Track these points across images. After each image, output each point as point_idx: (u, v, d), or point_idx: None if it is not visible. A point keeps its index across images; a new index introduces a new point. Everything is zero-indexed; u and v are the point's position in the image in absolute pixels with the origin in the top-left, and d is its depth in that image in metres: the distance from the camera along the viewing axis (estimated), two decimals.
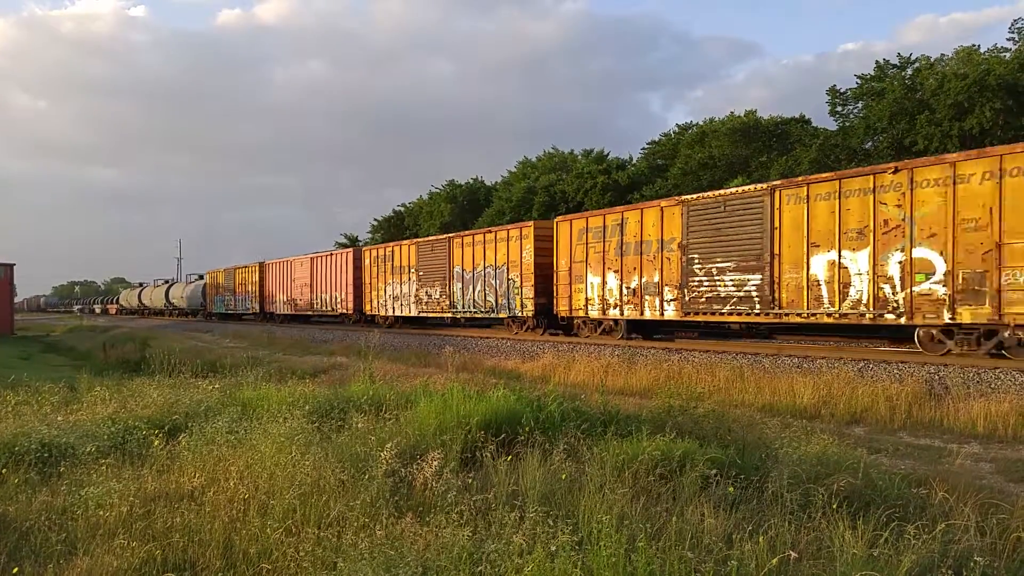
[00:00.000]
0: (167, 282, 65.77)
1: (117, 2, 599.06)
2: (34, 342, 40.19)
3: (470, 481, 5.84)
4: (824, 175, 15.13)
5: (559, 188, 39.32)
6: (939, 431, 9.98)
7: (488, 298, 23.51)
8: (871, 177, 13.56)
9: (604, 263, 19.42)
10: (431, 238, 28.56)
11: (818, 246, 14.28)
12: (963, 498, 5.51)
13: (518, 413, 7.79)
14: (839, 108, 29.05)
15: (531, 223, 22.72)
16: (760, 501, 5.61)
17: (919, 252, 12.77)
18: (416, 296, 27.25)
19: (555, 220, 21.57)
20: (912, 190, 12.82)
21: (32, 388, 11.07)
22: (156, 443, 7.42)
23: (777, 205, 15.00)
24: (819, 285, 14.25)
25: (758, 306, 15.34)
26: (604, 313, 19.50)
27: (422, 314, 27.05)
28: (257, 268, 41.59)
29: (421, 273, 26.98)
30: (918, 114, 23.75)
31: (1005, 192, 11.65)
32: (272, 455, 6.23)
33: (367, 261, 30.73)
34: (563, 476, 5.82)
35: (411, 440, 7.12)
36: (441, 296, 25.79)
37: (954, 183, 12.26)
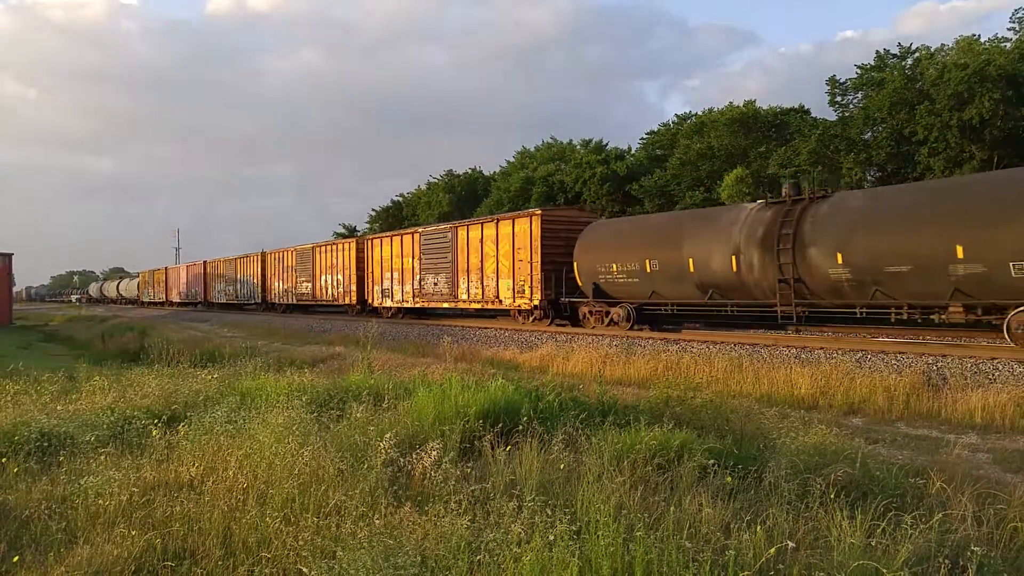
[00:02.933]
0: (121, 277, 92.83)
1: None
2: (33, 332, 40.17)
3: (469, 471, 5.86)
4: (469, 220, 26.08)
5: (558, 178, 39.24)
6: (937, 422, 10.00)
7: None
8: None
9: (392, 268, 29.00)
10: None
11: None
12: (960, 488, 5.52)
13: (516, 403, 7.80)
14: (838, 98, 28.97)
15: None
16: (758, 491, 5.63)
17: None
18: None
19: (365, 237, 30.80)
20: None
21: (31, 377, 11.07)
22: (155, 433, 7.43)
23: (458, 237, 24.83)
24: (481, 286, 23.82)
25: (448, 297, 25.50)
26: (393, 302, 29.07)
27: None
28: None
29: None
30: (918, 104, 23.69)
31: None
32: (271, 445, 6.24)
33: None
34: (561, 466, 5.83)
35: (410, 430, 7.14)
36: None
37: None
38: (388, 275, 29.11)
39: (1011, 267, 11.72)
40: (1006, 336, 12.42)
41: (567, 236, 21.26)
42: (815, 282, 14.80)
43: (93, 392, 9.91)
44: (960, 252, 12.33)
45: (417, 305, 27.47)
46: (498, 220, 23.42)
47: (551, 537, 4.11)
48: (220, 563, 4.64)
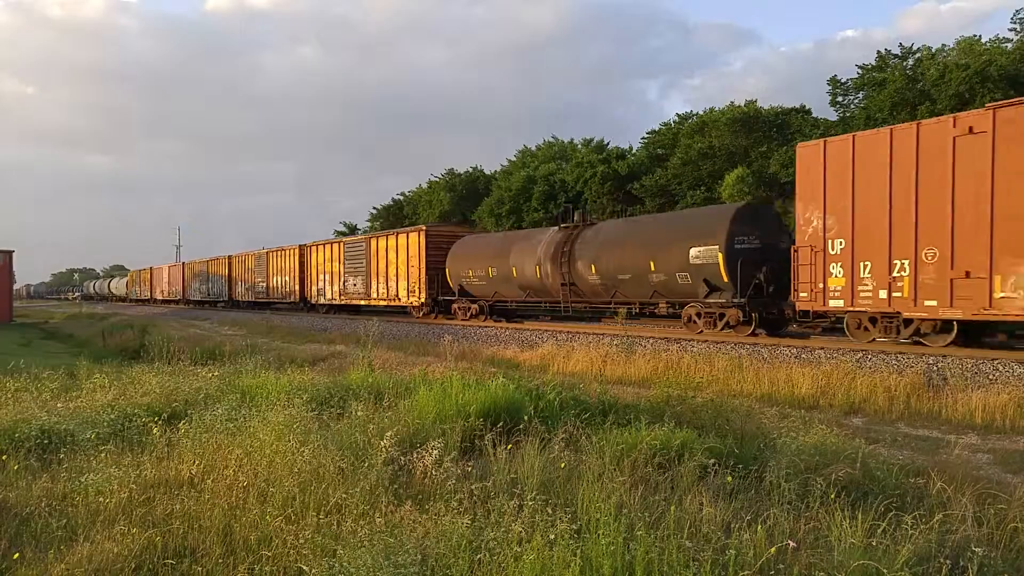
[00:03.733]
0: (113, 276, 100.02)
1: None
2: (33, 329, 40.15)
3: (469, 469, 5.85)
4: (379, 232, 30.67)
5: (559, 177, 39.22)
6: (937, 422, 10.00)
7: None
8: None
9: (325, 271, 33.80)
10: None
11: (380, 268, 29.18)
12: (961, 488, 5.52)
13: (517, 402, 7.80)
14: (839, 98, 28.97)
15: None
16: (758, 491, 5.63)
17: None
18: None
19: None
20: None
21: (32, 375, 11.07)
22: (155, 430, 7.43)
23: (371, 247, 29.78)
24: (386, 287, 28.66)
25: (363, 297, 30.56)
26: (325, 300, 34.15)
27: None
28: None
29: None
30: (919, 104, 23.69)
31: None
32: (271, 443, 6.24)
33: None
34: (562, 465, 5.83)
35: (410, 428, 7.13)
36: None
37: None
38: (322, 277, 34.46)
39: (677, 276, 17.34)
40: (684, 322, 17.86)
41: (446, 247, 26.34)
42: (582, 285, 20.59)
43: (93, 389, 9.92)
44: (653, 266, 18.06)
45: (342, 302, 33.10)
46: (397, 234, 28.73)
47: (552, 536, 4.11)
48: (220, 561, 4.63)
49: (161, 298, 62.22)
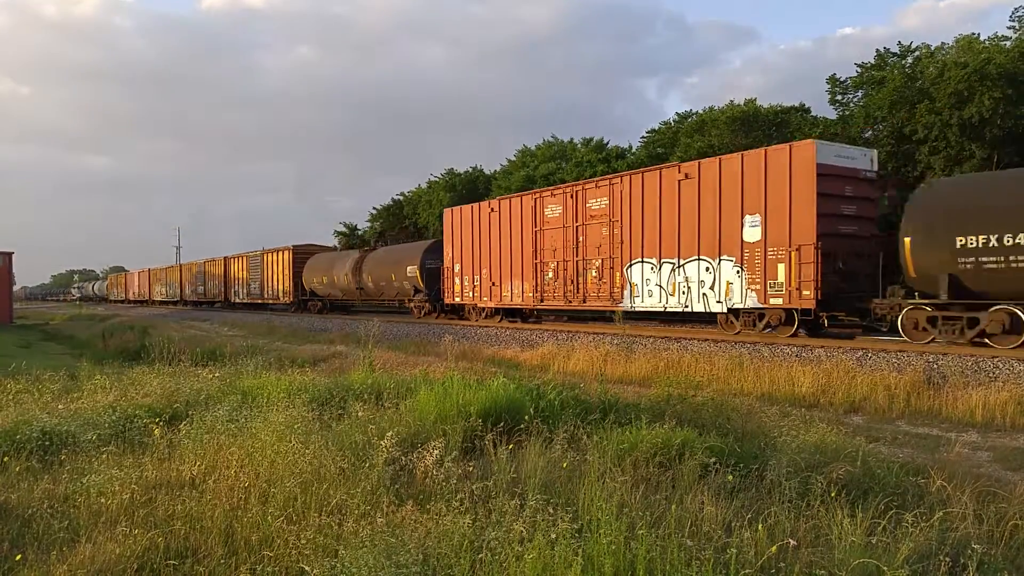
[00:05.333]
0: (96, 279, 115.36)
1: None
2: (33, 331, 40.14)
3: (471, 469, 5.86)
4: (267, 249, 42.30)
5: (559, 177, 39.21)
6: (937, 420, 10.01)
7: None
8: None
9: (236, 277, 47.08)
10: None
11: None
12: (961, 486, 5.53)
13: (518, 402, 7.81)
14: (839, 97, 28.95)
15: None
16: (759, 489, 5.64)
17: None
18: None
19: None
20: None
21: (33, 376, 11.07)
22: (157, 431, 7.43)
23: (264, 260, 42.05)
24: (272, 289, 41.34)
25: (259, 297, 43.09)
26: (239, 299, 47.07)
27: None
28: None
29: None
30: (918, 103, 23.66)
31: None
32: (273, 443, 6.25)
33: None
34: (563, 464, 5.84)
35: (411, 429, 7.14)
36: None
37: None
38: (237, 282, 46.99)
39: (403, 282, 28.97)
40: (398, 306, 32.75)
41: (303, 262, 38.53)
42: (369, 289, 31.83)
43: (94, 391, 9.92)
44: (394, 277, 29.43)
45: (248, 301, 45.28)
46: (276, 251, 41.21)
47: (553, 536, 4.12)
48: (222, 562, 4.64)
49: (132, 299, 75.76)
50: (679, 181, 17.59)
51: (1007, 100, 22.07)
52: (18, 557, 4.75)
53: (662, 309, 18.21)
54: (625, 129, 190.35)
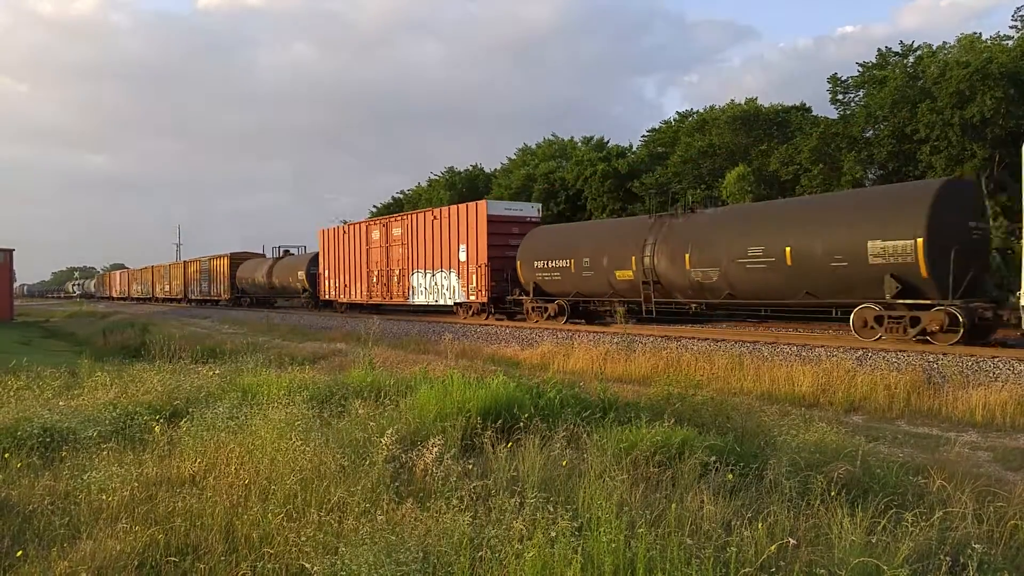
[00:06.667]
0: (87, 278, 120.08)
1: None
2: (34, 328, 40.15)
3: (470, 467, 5.86)
4: (211, 255, 51.69)
5: (559, 175, 39.19)
6: (937, 420, 10.01)
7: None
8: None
9: (189, 279, 55.81)
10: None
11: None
12: (961, 486, 5.54)
13: (518, 400, 7.81)
14: (840, 96, 28.93)
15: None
16: (759, 488, 5.64)
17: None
18: None
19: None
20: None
21: (33, 373, 11.08)
22: (157, 429, 7.44)
23: (211, 264, 51.15)
24: (221, 288, 49.19)
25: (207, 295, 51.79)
26: (193, 296, 54.84)
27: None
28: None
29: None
30: (919, 102, 23.65)
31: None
32: (273, 441, 6.25)
33: None
34: (563, 463, 5.84)
35: (411, 426, 7.15)
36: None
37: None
38: (193, 280, 54.86)
39: (297, 283, 38.73)
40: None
41: (238, 264, 46.37)
42: (277, 287, 40.86)
43: (95, 388, 9.92)
44: (291, 280, 38.86)
45: (200, 297, 52.54)
46: (220, 257, 48.89)
47: (553, 534, 4.12)
48: (223, 558, 4.65)
49: (115, 296, 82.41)
50: (433, 220, 26.31)
51: (1009, 100, 22.05)
52: (19, 553, 4.76)
53: (426, 303, 26.99)
54: (624, 127, 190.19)
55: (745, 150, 31.24)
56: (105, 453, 6.62)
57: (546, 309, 21.94)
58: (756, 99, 32.98)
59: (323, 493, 5.26)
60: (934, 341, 13.03)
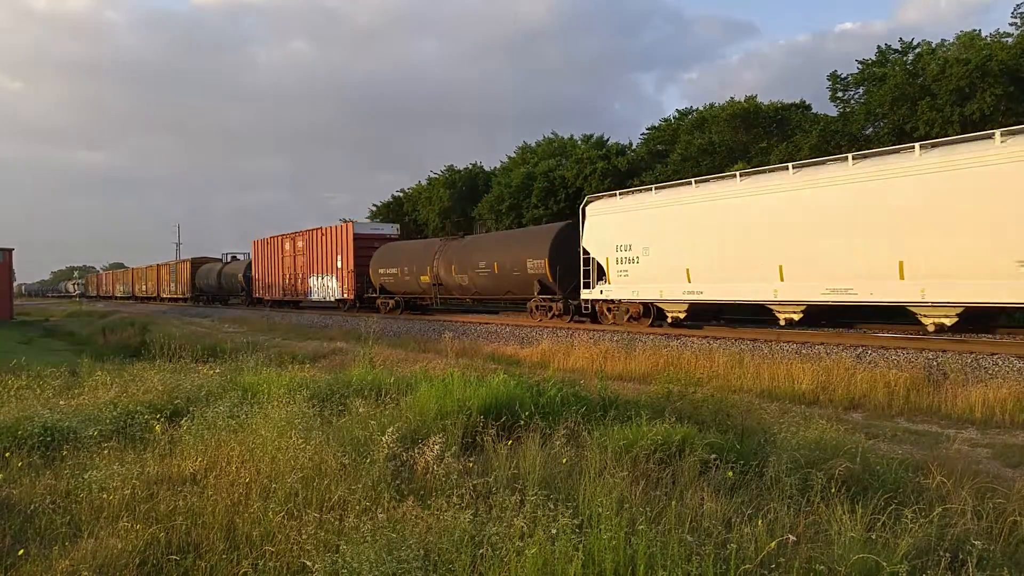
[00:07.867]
0: (80, 278, 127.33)
1: None
2: (34, 327, 40.14)
3: (471, 465, 5.88)
4: (176, 260, 63.78)
5: (559, 174, 39.15)
6: (937, 417, 10.02)
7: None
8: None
9: (162, 281, 63.51)
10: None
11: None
12: (960, 483, 5.55)
13: (518, 398, 7.82)
14: (839, 93, 28.90)
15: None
16: (759, 485, 5.65)
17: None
18: None
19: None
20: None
21: (34, 372, 11.09)
22: (157, 427, 7.45)
23: (175, 268, 60.76)
24: (184, 287, 57.55)
25: (175, 293, 60.56)
26: (165, 296, 63.20)
27: None
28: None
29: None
30: (919, 100, 23.63)
31: None
32: (273, 439, 6.26)
33: None
34: (563, 460, 5.85)
35: (412, 424, 7.16)
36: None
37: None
38: (163, 283, 61.40)
39: (236, 284, 47.92)
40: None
41: (196, 268, 54.14)
42: (225, 288, 49.25)
43: (95, 387, 9.93)
44: (235, 280, 47.63)
45: (168, 296, 59.37)
46: (184, 262, 57.18)
47: (553, 531, 4.13)
48: (224, 557, 4.65)
49: (101, 294, 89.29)
50: (322, 236, 34.16)
51: (1009, 97, 22.05)
52: (20, 552, 4.77)
53: (319, 299, 34.92)
54: (624, 125, 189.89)
55: (745, 148, 31.23)
56: (106, 452, 6.63)
57: (388, 303, 30.04)
58: (756, 97, 32.93)
59: (324, 491, 5.27)
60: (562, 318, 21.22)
